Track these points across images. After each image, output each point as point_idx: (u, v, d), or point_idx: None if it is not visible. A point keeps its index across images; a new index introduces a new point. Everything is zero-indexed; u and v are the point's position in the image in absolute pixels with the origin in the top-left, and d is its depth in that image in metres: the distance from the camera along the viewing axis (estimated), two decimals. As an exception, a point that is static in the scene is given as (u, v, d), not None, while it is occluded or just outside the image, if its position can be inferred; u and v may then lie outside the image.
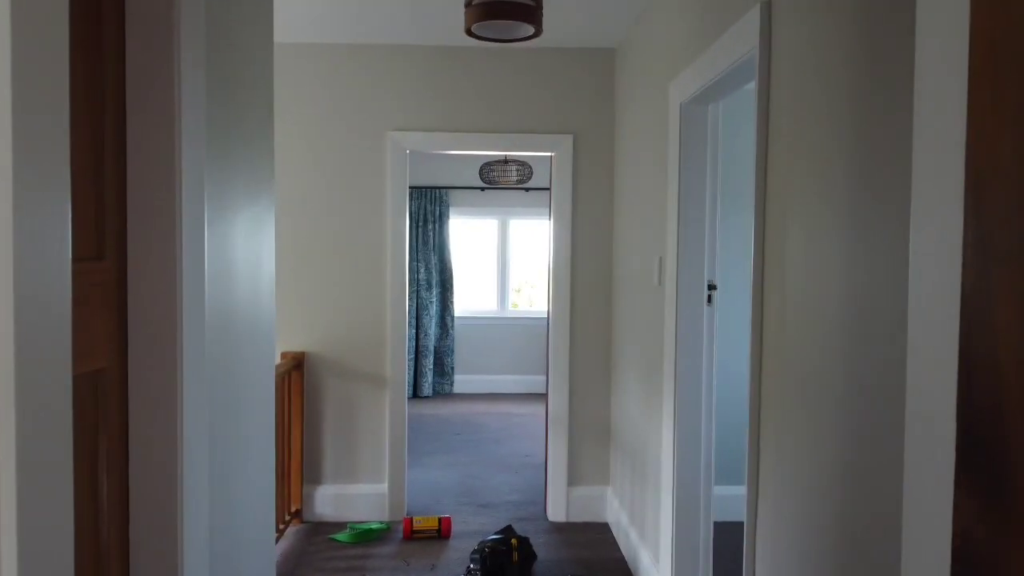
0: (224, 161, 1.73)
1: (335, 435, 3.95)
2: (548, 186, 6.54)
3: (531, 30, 2.40)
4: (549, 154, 4.01)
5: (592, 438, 4.05)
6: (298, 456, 3.85)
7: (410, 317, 7.52)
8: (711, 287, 2.74)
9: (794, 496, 1.73)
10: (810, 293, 1.66)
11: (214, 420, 1.66)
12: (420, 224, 7.56)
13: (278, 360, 3.80)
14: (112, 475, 1.39)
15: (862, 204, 1.45)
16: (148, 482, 1.45)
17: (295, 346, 3.91)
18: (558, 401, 4.03)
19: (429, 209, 7.55)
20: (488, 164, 5.90)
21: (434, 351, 7.65)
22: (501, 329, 7.83)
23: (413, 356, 7.54)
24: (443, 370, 7.67)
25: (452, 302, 7.66)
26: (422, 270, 7.55)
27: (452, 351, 7.67)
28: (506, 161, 5.84)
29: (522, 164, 5.86)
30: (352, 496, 3.95)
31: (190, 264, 1.50)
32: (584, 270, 4.01)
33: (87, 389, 1.29)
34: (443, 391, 7.67)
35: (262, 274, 2.05)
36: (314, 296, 3.92)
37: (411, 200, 7.53)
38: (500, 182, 5.86)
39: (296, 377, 3.84)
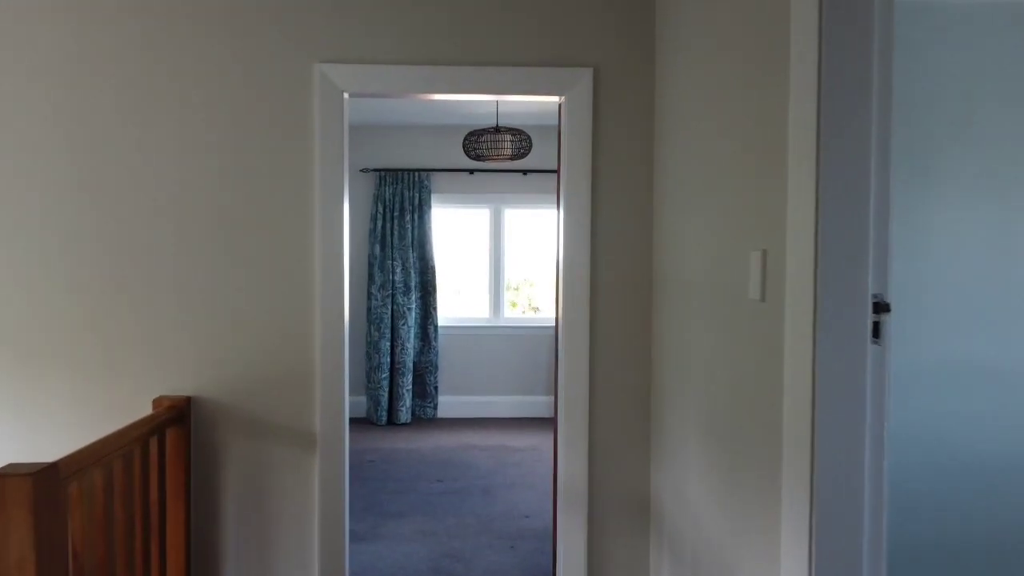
0: None
1: (239, 521, 2.64)
2: (553, 168, 5.22)
3: None
4: (556, 99, 2.70)
5: (623, 520, 2.74)
6: (179, 553, 2.54)
7: (385, 327, 6.21)
8: (879, 307, 1.43)
9: None
10: None
11: None
12: (395, 214, 6.24)
13: (148, 410, 2.49)
14: None
15: None
16: None
17: (174, 388, 2.59)
18: (572, 463, 2.71)
19: (407, 196, 6.23)
20: (475, 133, 4.59)
21: (413, 368, 6.33)
22: (495, 340, 6.51)
23: (388, 375, 6.23)
24: (424, 391, 6.35)
25: (435, 308, 6.34)
26: (398, 270, 6.23)
27: (436, 368, 6.35)
28: (497, 129, 4.53)
29: (517, 132, 4.54)
30: (264, 613, 2.64)
31: None
32: (609, 271, 2.70)
33: None
34: (425, 416, 6.36)
35: None
36: (206, 316, 2.61)
37: (384, 185, 6.21)
38: (490, 156, 4.54)
39: (176, 436, 2.53)
